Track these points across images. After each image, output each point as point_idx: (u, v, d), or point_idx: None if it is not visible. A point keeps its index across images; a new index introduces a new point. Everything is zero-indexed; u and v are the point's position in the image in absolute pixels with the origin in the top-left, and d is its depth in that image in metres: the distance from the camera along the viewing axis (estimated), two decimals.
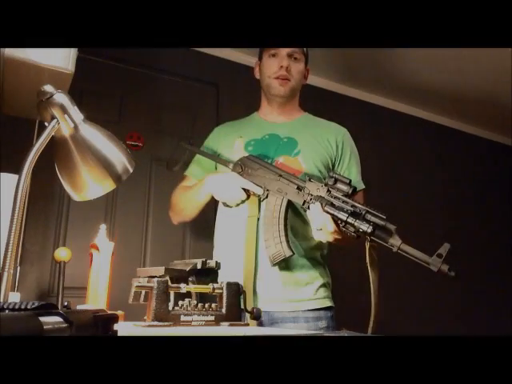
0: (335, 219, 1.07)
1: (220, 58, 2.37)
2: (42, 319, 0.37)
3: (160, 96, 2.18)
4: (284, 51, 1.35)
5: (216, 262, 0.94)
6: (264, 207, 1.22)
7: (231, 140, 1.36)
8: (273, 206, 1.18)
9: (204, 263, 0.92)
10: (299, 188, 1.16)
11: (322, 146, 1.34)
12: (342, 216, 1.04)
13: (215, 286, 0.89)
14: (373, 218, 1.02)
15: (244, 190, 1.23)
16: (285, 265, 1.22)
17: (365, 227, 1.01)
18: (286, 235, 1.16)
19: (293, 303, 1.24)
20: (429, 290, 2.66)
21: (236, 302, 0.91)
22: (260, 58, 1.44)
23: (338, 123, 1.44)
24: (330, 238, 1.10)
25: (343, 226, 1.06)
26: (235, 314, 0.90)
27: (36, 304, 0.40)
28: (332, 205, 1.08)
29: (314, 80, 2.66)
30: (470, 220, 3.10)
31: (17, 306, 0.40)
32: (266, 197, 1.21)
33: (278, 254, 1.15)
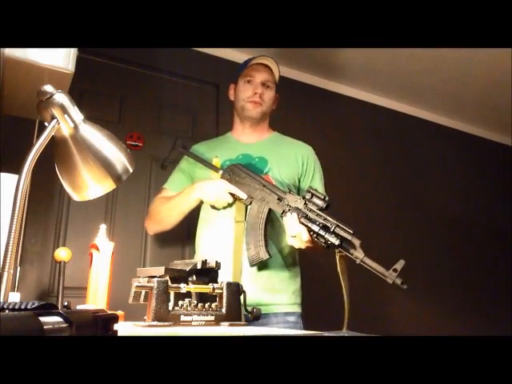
0: (309, 230, 1.20)
1: (220, 58, 2.36)
2: (42, 319, 0.37)
3: (160, 96, 2.18)
4: (258, 79, 1.50)
5: (216, 261, 0.94)
6: (248, 213, 1.33)
7: (208, 159, 1.46)
8: (255, 213, 1.31)
9: (204, 263, 0.92)
10: (280, 199, 1.29)
11: (289, 163, 1.49)
12: (315, 228, 1.18)
13: (215, 286, 0.89)
14: (341, 232, 1.15)
15: (231, 194, 1.34)
16: (262, 270, 1.33)
17: (333, 240, 1.15)
18: (266, 240, 1.28)
19: (266, 306, 1.32)
20: (429, 291, 2.67)
21: (236, 302, 0.91)
22: (235, 82, 1.56)
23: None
24: (303, 246, 1.23)
25: (315, 237, 1.20)
26: (235, 314, 0.90)
27: (36, 304, 0.40)
28: (307, 217, 1.21)
29: (314, 80, 2.66)
30: (470, 220, 3.10)
31: (17, 306, 0.40)
32: (250, 203, 1.32)
33: (256, 255, 1.27)
